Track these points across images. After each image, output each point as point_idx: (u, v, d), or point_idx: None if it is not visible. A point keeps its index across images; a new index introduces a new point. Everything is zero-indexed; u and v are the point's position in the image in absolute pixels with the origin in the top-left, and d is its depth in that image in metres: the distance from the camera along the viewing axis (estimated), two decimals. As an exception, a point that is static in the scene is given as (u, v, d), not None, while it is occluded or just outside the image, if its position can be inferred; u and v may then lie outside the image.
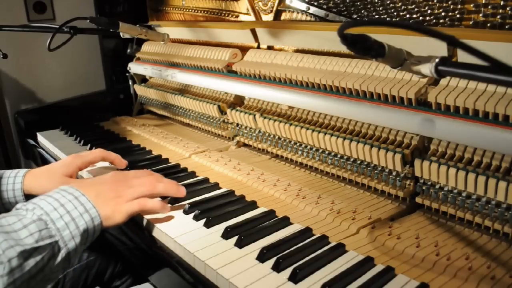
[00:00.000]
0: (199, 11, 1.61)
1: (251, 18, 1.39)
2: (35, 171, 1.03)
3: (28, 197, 1.01)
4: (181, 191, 0.94)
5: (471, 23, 0.87)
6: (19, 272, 0.64)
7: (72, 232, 0.73)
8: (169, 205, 0.94)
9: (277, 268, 0.72)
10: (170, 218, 0.91)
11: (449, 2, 0.90)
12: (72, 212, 0.75)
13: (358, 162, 1.02)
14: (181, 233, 0.84)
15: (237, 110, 1.28)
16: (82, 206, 0.77)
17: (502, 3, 0.81)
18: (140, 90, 1.80)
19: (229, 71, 1.35)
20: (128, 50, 1.81)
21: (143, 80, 1.86)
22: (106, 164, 1.17)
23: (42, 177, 1.01)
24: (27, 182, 1.00)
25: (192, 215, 0.91)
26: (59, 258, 0.71)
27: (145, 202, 0.86)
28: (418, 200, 0.92)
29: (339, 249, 0.77)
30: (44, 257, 0.68)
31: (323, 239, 0.81)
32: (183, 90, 1.59)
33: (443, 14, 0.91)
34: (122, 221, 0.83)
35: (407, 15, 0.98)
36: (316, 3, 1.18)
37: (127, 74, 1.86)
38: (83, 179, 1.02)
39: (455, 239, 0.81)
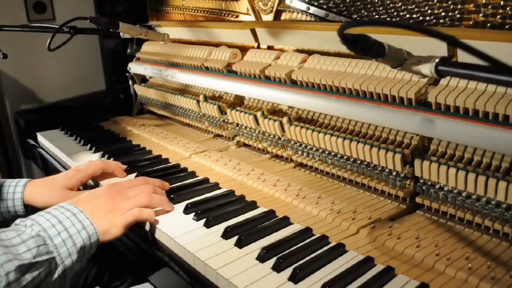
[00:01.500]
0: (199, 11, 1.61)
1: (251, 18, 1.39)
2: (36, 181, 1.04)
3: (27, 207, 1.01)
4: (171, 207, 0.95)
5: (471, 23, 0.87)
6: (16, 287, 0.65)
7: (69, 249, 0.74)
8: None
9: (277, 268, 0.72)
10: (170, 218, 0.91)
11: (449, 2, 0.90)
12: (70, 229, 0.76)
13: (358, 162, 1.02)
14: (181, 233, 0.85)
15: (237, 110, 1.28)
16: (80, 223, 0.78)
17: (502, 3, 0.81)
18: (140, 90, 1.80)
19: (229, 71, 1.35)
20: (128, 50, 1.81)
21: (143, 80, 1.86)
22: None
23: (43, 189, 1.02)
24: (27, 192, 1.00)
25: (192, 215, 0.91)
26: (55, 275, 0.72)
27: (140, 212, 0.86)
28: (418, 200, 0.92)
29: (339, 249, 0.77)
30: (41, 273, 0.69)
31: (323, 239, 0.81)
32: (183, 90, 1.59)
33: (443, 14, 0.91)
34: (119, 234, 0.83)
35: (407, 15, 0.98)
36: (316, 3, 1.18)
37: (127, 74, 1.86)
38: (80, 193, 1.02)
39: (455, 239, 0.81)
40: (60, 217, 0.77)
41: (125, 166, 1.16)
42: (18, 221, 0.76)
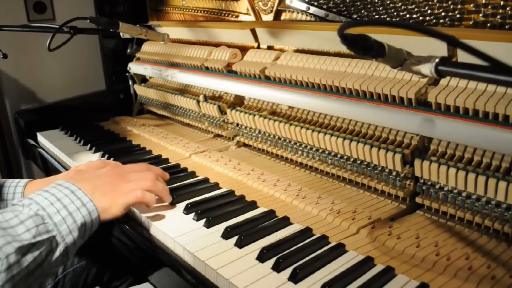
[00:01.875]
0: (199, 11, 1.61)
1: (251, 18, 1.39)
2: (36, 182, 1.04)
3: None
4: (170, 198, 0.95)
5: (471, 23, 0.87)
6: (17, 268, 0.65)
7: (70, 227, 0.73)
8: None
9: (277, 268, 0.72)
10: (170, 218, 0.91)
11: (449, 2, 0.90)
12: (68, 206, 0.75)
13: (358, 162, 1.02)
14: (181, 233, 0.84)
15: (237, 110, 1.28)
16: (79, 200, 0.77)
17: (502, 3, 0.81)
18: (140, 90, 1.80)
19: (229, 71, 1.35)
20: (128, 50, 1.81)
21: (143, 80, 1.86)
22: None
23: None
24: (28, 193, 1.00)
25: (192, 215, 0.91)
26: (57, 253, 0.71)
27: (142, 194, 0.86)
28: (418, 200, 0.92)
29: (339, 249, 0.77)
30: (42, 253, 0.68)
31: (323, 239, 0.81)
32: (183, 90, 1.59)
33: (443, 14, 0.91)
34: (119, 213, 0.83)
35: (407, 15, 0.98)
36: (316, 3, 1.18)
37: (127, 74, 1.86)
38: (80, 173, 1.03)
39: (455, 239, 0.81)
40: (58, 195, 0.76)
41: None
42: (15, 201, 0.75)
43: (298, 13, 1.24)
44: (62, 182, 0.80)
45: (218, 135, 1.49)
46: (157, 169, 1.00)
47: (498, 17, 0.83)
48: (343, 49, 0.69)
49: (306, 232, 0.83)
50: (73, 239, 0.74)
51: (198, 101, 1.44)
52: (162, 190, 0.93)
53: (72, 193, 0.78)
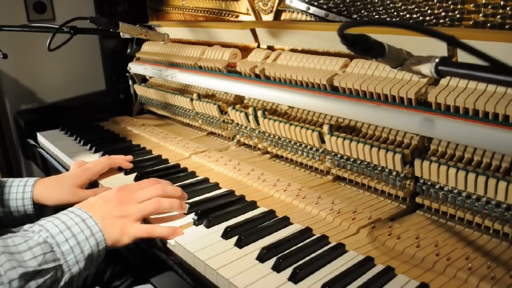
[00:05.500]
0: (199, 11, 1.61)
1: (251, 18, 1.39)
2: (45, 180, 1.04)
3: (36, 205, 1.02)
4: (184, 208, 0.92)
5: (471, 23, 0.87)
6: None
7: (77, 257, 0.74)
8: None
9: (277, 268, 0.72)
10: (170, 218, 0.91)
11: (449, 2, 0.90)
12: (78, 235, 0.75)
13: (358, 162, 1.02)
14: (181, 233, 0.84)
15: (237, 110, 1.28)
16: (89, 229, 0.77)
17: (502, 3, 0.81)
18: (140, 90, 1.80)
19: (229, 71, 1.35)
20: (128, 50, 1.81)
21: (143, 80, 1.86)
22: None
23: (53, 187, 1.02)
24: (37, 192, 1.01)
25: (192, 215, 0.91)
26: (62, 283, 0.72)
27: (154, 229, 0.84)
28: (418, 200, 0.92)
29: (339, 249, 0.77)
30: (46, 281, 0.69)
31: (323, 239, 0.81)
32: (183, 90, 1.59)
33: (443, 14, 0.91)
34: (128, 243, 0.83)
35: (407, 15, 0.98)
36: (316, 3, 1.18)
37: (127, 74, 1.86)
38: (88, 192, 1.03)
39: (455, 239, 0.81)
40: (68, 223, 0.76)
41: (130, 157, 1.17)
42: (26, 226, 0.75)
43: (298, 13, 1.24)
44: (74, 209, 0.81)
45: (218, 135, 1.49)
46: (164, 183, 0.96)
47: (498, 17, 0.83)
48: (343, 49, 0.69)
49: (306, 232, 0.83)
50: (79, 270, 0.74)
51: (191, 99, 1.44)
52: (170, 207, 0.89)
53: (83, 221, 0.78)
